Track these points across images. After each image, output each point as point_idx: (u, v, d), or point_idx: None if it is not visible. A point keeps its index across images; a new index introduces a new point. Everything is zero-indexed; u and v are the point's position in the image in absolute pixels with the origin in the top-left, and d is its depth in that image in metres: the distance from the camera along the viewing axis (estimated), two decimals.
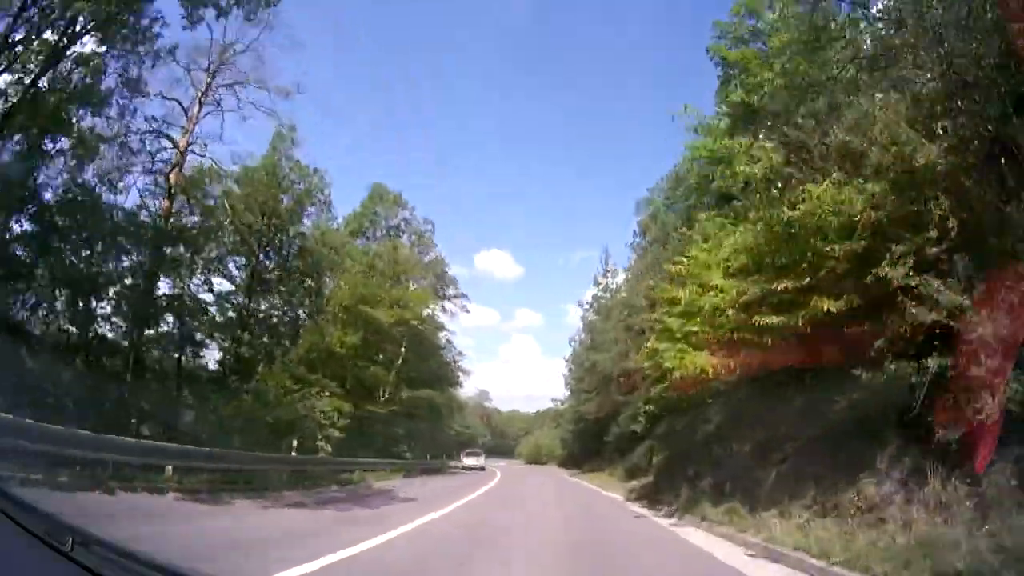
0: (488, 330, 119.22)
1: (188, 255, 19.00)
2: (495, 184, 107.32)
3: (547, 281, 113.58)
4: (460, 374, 44.06)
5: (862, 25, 8.96)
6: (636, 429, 21.70)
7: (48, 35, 13.09)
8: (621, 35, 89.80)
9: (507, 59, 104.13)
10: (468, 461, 34.68)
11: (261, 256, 21.89)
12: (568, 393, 43.84)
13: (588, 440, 36.98)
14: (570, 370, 42.21)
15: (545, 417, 66.81)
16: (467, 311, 38.85)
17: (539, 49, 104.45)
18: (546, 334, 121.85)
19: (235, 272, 21.65)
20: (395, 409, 33.08)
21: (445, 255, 36.05)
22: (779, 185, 7.75)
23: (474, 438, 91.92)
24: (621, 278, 31.54)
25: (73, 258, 14.75)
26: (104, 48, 14.11)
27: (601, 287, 34.11)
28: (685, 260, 10.62)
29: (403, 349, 29.53)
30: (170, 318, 18.41)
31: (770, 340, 7.54)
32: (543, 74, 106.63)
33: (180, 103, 18.68)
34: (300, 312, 21.36)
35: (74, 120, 14.17)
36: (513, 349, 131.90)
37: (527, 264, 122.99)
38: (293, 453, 15.05)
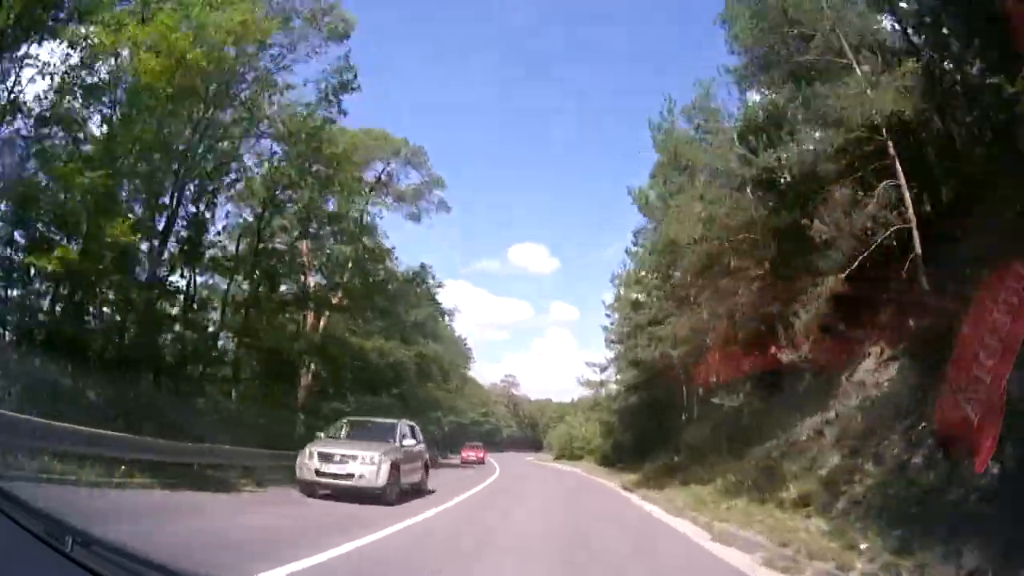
0: (522, 324, 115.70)
1: None
2: (530, 177, 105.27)
3: (584, 275, 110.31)
4: (443, 317, 30.07)
5: None
6: None
7: None
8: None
9: (538, 47, 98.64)
10: None
11: None
12: (612, 356, 28.73)
13: (647, 422, 23.00)
14: (612, 319, 27.14)
15: (583, 404, 53.84)
16: (447, 209, 24.15)
17: (573, 36, 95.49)
18: (582, 328, 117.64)
19: None
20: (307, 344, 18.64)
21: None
22: None
23: (497, 429, 78.89)
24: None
25: None
26: None
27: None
28: None
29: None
30: None
31: None
32: (577, 63, 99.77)
33: None
34: None
35: None
36: (547, 343, 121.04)
37: (563, 257, 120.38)
38: None
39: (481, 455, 33.92)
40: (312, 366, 20.26)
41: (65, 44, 9.82)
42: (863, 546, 4.94)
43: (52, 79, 9.91)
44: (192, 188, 12.59)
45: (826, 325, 8.81)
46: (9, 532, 1.50)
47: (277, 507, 7.83)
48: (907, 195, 8.71)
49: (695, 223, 11.59)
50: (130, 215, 10.12)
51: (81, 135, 10.44)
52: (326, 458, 8.49)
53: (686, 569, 5.67)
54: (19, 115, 9.63)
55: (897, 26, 10.22)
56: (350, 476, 8.28)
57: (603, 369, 29.61)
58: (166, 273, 12.26)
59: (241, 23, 10.07)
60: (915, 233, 8.40)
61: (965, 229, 7.87)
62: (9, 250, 9.18)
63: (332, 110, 14.08)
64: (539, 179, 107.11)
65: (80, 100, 10.30)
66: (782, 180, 11.41)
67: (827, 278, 8.36)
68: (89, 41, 9.82)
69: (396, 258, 23.08)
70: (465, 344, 50.62)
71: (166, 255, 12.06)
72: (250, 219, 16.12)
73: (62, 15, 10.05)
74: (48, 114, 9.97)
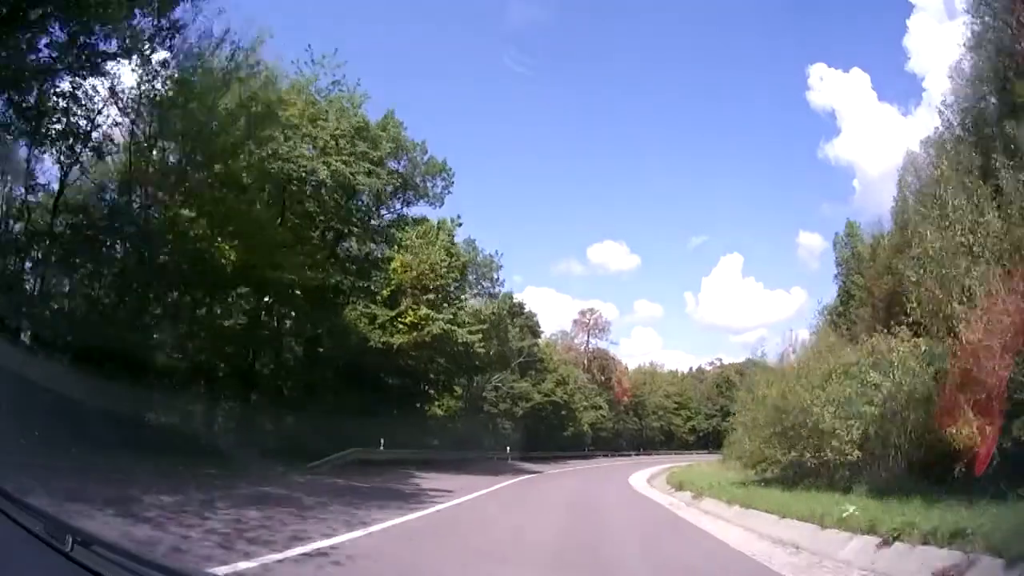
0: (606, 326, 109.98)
1: None
2: (605, 173, 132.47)
3: (664, 270, 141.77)
4: None
5: None
6: None
7: None
8: None
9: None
10: None
11: None
12: None
13: None
14: None
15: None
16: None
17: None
18: (666, 325, 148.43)
19: None
20: None
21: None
22: None
23: (564, 411, 58.80)
24: None
25: None
26: None
27: None
28: None
29: None
30: None
31: None
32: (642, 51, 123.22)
33: None
34: None
35: None
36: (634, 344, 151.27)
37: (643, 253, 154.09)
38: None
39: None
40: None
41: None
42: None
43: None
44: None
45: None
46: (9, 532, 2.04)
47: None
48: None
49: None
50: None
51: None
52: None
53: None
54: None
55: None
56: None
57: None
58: None
59: None
60: None
61: None
62: None
63: None
64: (613, 174, 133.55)
65: None
66: None
67: None
68: None
69: None
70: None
71: None
72: None
73: None
74: None
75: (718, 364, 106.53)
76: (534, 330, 59.43)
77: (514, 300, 54.40)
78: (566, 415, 60.61)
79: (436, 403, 43.49)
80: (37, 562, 2.03)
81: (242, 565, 6.58)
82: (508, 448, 49.14)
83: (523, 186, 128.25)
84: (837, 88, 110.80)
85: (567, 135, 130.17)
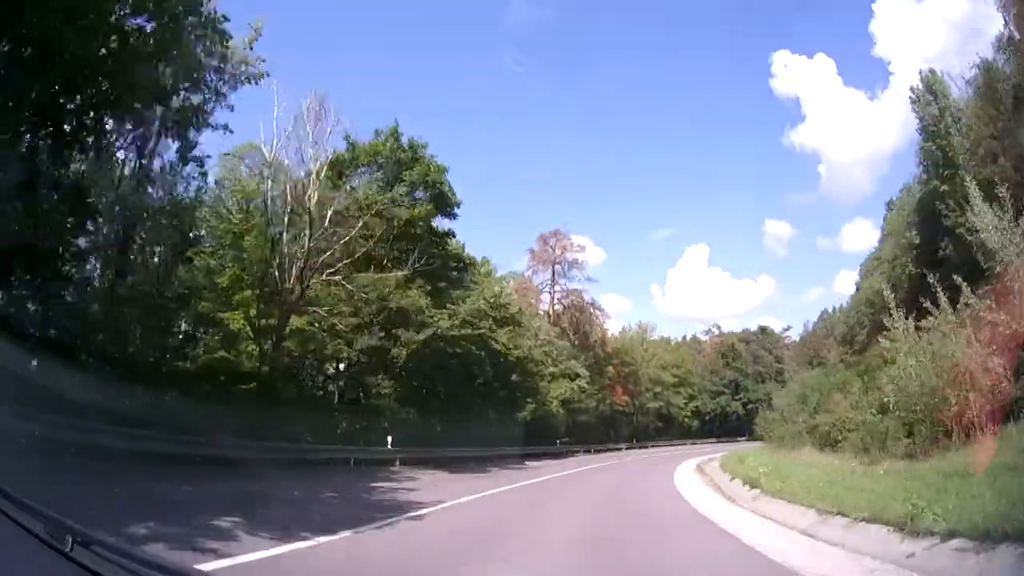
0: None
1: None
2: (566, 166, 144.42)
3: (631, 263, 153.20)
4: None
5: None
6: None
7: None
8: None
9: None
10: None
11: None
12: None
13: None
14: None
15: None
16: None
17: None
18: (634, 319, 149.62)
19: None
20: None
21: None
22: None
23: (528, 375, 41.74)
24: None
25: None
26: None
27: None
28: None
29: None
30: None
31: None
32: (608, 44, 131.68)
33: None
34: None
35: None
36: None
37: (608, 246, 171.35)
38: None
39: None
40: None
41: None
42: None
43: None
44: None
45: None
46: (9, 532, 2.23)
47: None
48: None
49: None
50: None
51: None
52: None
53: None
54: None
55: None
56: None
57: None
58: None
59: None
60: None
61: None
62: None
63: None
64: (574, 167, 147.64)
65: None
66: None
67: None
68: None
69: None
70: None
71: None
72: None
73: None
74: None
75: (716, 333, 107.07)
76: (444, 199, 35.75)
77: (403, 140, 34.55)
78: (520, 382, 41.21)
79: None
80: (37, 562, 2.19)
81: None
82: (390, 439, 28.53)
83: (484, 182, 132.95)
84: (801, 74, 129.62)
85: (527, 130, 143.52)
